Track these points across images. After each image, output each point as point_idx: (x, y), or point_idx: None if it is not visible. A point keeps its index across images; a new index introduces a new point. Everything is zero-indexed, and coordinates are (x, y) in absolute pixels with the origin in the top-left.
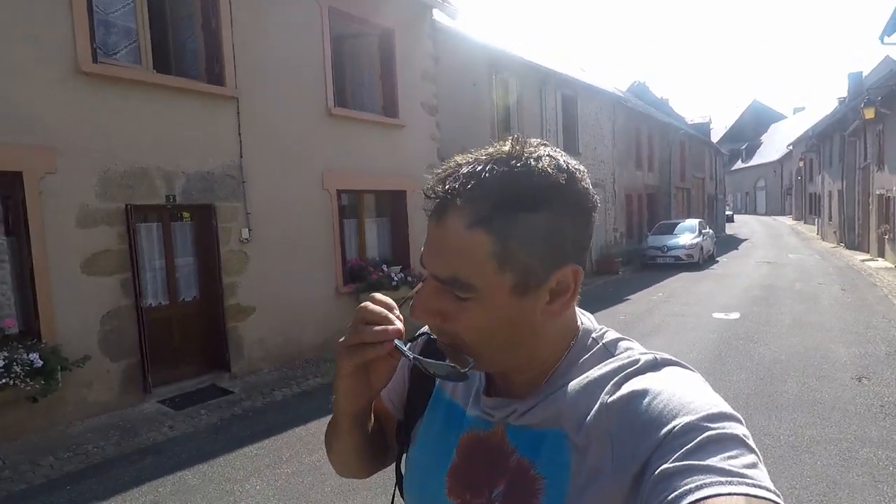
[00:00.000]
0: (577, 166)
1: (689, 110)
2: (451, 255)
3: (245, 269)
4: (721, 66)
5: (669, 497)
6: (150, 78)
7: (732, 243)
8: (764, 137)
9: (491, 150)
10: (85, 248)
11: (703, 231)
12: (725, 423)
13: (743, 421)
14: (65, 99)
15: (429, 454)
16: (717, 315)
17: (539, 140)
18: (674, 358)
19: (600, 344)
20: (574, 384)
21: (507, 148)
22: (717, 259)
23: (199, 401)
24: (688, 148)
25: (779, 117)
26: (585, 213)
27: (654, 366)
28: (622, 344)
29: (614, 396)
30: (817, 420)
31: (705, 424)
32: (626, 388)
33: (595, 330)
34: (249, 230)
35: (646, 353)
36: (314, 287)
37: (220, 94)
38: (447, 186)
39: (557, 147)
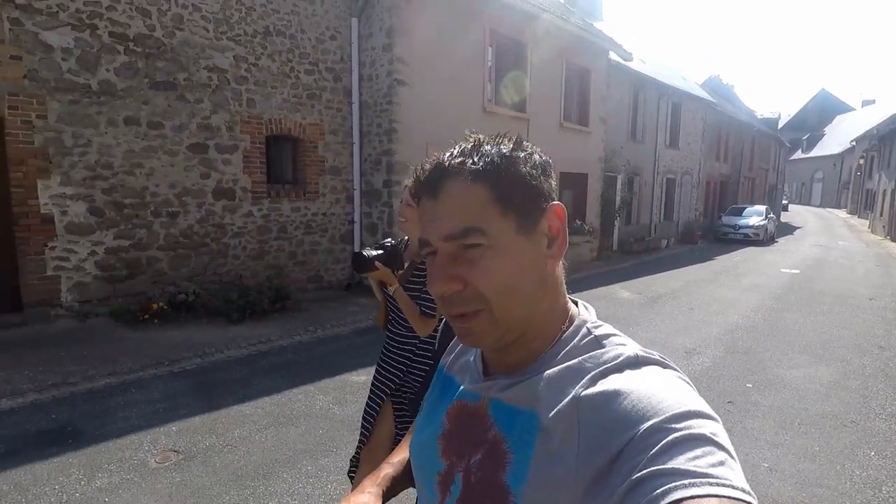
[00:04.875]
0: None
1: (756, 98)
2: (460, 211)
3: None
4: (791, 52)
5: None
6: (494, 109)
7: (788, 229)
8: (828, 129)
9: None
10: None
11: (769, 216)
12: (692, 422)
13: (716, 417)
14: (475, 123)
15: (425, 419)
16: (783, 270)
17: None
18: (658, 356)
19: (592, 335)
20: (556, 370)
21: (476, 140)
22: (777, 240)
23: None
24: (757, 142)
25: (846, 109)
26: (545, 171)
27: (635, 363)
28: (613, 339)
29: (588, 391)
30: (844, 307)
31: (671, 426)
32: (601, 385)
33: (590, 321)
34: None
35: (630, 351)
36: None
37: (522, 117)
38: (449, 162)
39: (666, 142)
